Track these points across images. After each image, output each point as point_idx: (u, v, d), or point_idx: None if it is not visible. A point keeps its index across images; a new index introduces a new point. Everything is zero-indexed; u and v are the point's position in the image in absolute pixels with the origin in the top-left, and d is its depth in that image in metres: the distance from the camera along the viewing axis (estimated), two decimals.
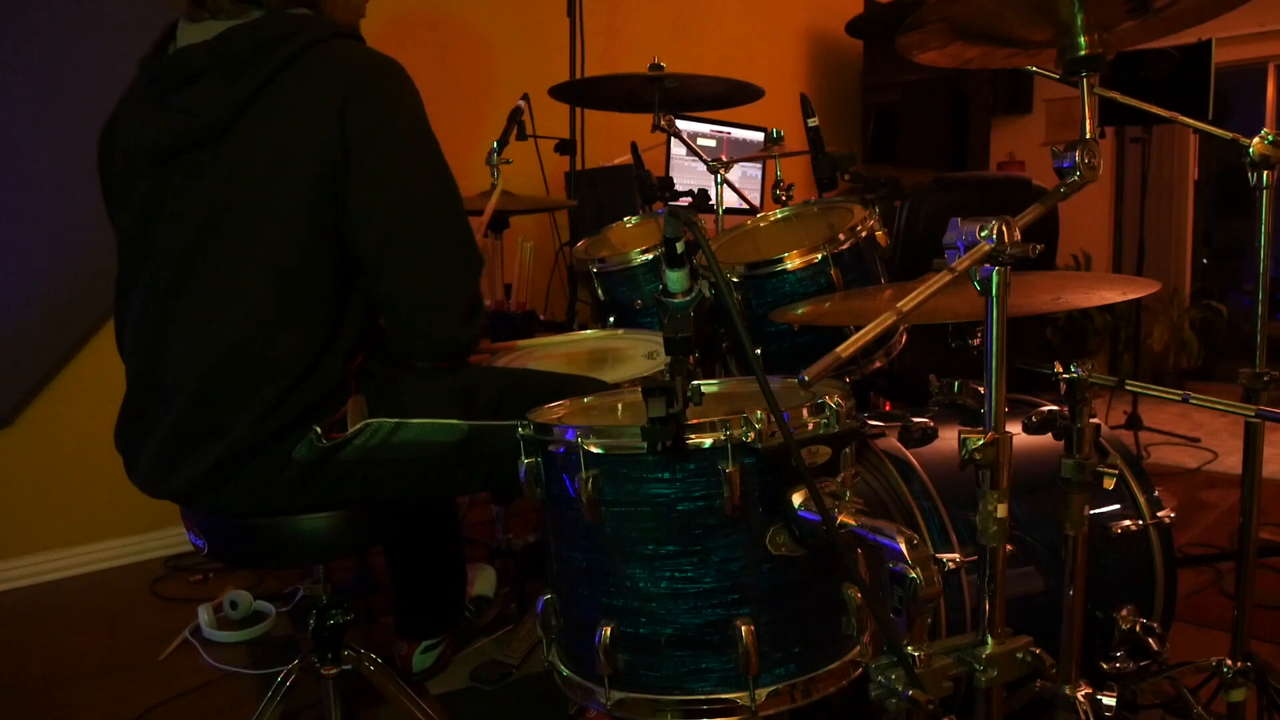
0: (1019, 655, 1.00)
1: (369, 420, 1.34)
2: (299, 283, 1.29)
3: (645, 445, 0.96)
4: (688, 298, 0.97)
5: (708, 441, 0.96)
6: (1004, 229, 0.90)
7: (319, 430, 1.30)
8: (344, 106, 1.26)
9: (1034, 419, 1.30)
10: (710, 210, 2.30)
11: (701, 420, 0.96)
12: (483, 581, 2.21)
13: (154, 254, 1.34)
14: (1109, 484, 1.15)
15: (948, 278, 0.91)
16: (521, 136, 2.45)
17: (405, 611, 1.98)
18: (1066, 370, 1.14)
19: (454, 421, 1.39)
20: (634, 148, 2.36)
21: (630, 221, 2.28)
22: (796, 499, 0.96)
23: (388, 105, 1.30)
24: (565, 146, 3.23)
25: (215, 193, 1.28)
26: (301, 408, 1.29)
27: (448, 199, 1.36)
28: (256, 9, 1.31)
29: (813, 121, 1.84)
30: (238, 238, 1.28)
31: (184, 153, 1.30)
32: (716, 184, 2.34)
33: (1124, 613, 1.43)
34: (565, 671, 1.11)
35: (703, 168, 2.36)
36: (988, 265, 0.92)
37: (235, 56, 1.27)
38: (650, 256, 1.96)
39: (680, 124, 2.37)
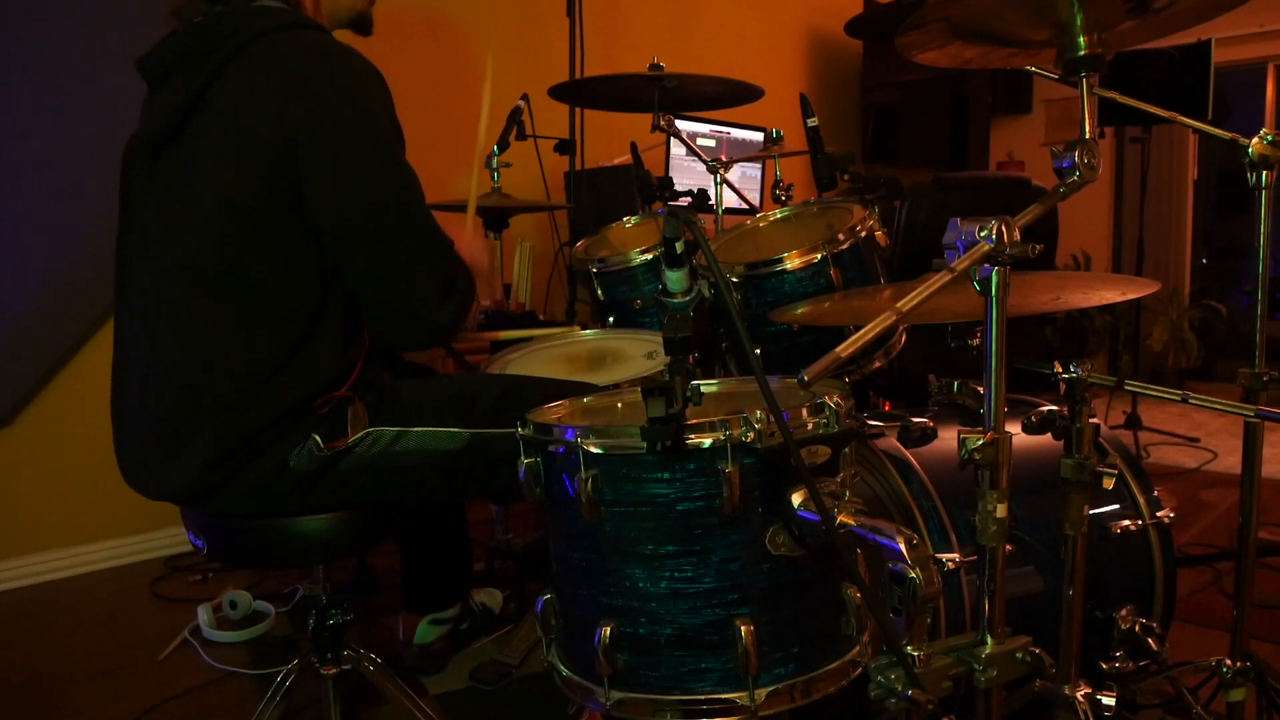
0: (1018, 655, 1.00)
1: (370, 429, 1.34)
2: (256, 274, 1.28)
3: (645, 445, 0.95)
4: (687, 298, 0.97)
5: (707, 441, 0.96)
6: (1003, 229, 0.90)
7: (319, 439, 1.30)
8: (284, 98, 1.25)
9: (1034, 419, 1.30)
10: (710, 210, 2.30)
11: (701, 420, 0.95)
12: (488, 598, 2.22)
13: (138, 253, 1.36)
14: (1108, 484, 1.14)
15: (947, 278, 0.91)
16: (521, 136, 2.44)
17: (412, 584, 2.00)
18: (1066, 370, 1.14)
19: (455, 429, 1.39)
20: (634, 148, 2.36)
21: (630, 221, 2.28)
22: (796, 499, 0.96)
23: (331, 96, 1.27)
24: (565, 146, 3.23)
25: (172, 188, 1.30)
26: (292, 400, 1.29)
27: (401, 186, 1.33)
28: (220, 4, 1.31)
29: (812, 121, 1.84)
30: (189, 232, 1.28)
31: (158, 151, 1.31)
32: (716, 184, 2.34)
33: (1123, 612, 1.43)
34: (565, 671, 1.11)
35: (702, 168, 2.36)
36: (987, 265, 0.92)
37: (193, 52, 1.27)
38: (650, 256, 1.96)
39: (680, 124, 2.37)
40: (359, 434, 1.33)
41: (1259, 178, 1.36)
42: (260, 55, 1.27)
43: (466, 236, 1.61)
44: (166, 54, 1.31)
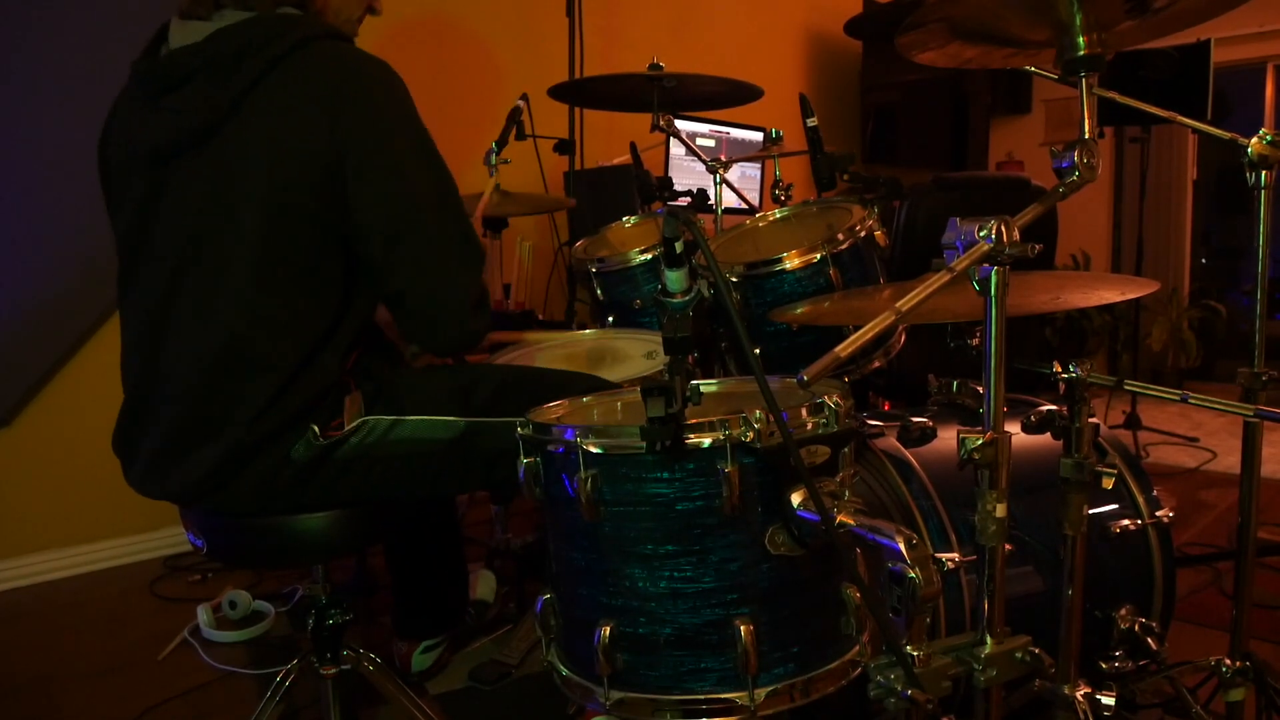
0: (1018, 655, 1.00)
1: (366, 417, 1.34)
2: (290, 281, 1.29)
3: (644, 445, 0.96)
4: (687, 298, 0.97)
5: (707, 441, 0.96)
6: (1003, 229, 0.90)
7: (316, 429, 1.30)
8: (334, 108, 1.26)
9: (1033, 419, 1.30)
10: (709, 210, 2.30)
11: (700, 420, 0.96)
12: (483, 586, 2.21)
13: (149, 255, 1.34)
14: (1108, 484, 1.14)
15: (946, 278, 0.91)
16: (520, 136, 2.45)
17: (405, 612, 1.98)
18: (1065, 370, 1.14)
19: (451, 418, 1.39)
20: (633, 148, 2.36)
21: (629, 221, 2.28)
22: (796, 499, 0.96)
23: (379, 106, 1.30)
24: (564, 146, 3.23)
25: (206, 193, 1.29)
26: (297, 406, 1.29)
27: (447, 195, 1.36)
28: (245, 10, 1.31)
29: (812, 121, 1.84)
30: (227, 237, 1.28)
31: (177, 154, 1.30)
32: (715, 184, 2.34)
33: (1123, 612, 1.43)
34: (564, 671, 1.11)
35: (702, 168, 2.36)
36: (986, 265, 0.92)
37: (223, 58, 1.27)
38: (649, 256, 1.96)
39: (679, 124, 2.37)
40: (355, 422, 1.33)
41: (1258, 178, 1.36)
42: (305, 64, 1.28)
43: None
44: (187, 58, 1.29)
